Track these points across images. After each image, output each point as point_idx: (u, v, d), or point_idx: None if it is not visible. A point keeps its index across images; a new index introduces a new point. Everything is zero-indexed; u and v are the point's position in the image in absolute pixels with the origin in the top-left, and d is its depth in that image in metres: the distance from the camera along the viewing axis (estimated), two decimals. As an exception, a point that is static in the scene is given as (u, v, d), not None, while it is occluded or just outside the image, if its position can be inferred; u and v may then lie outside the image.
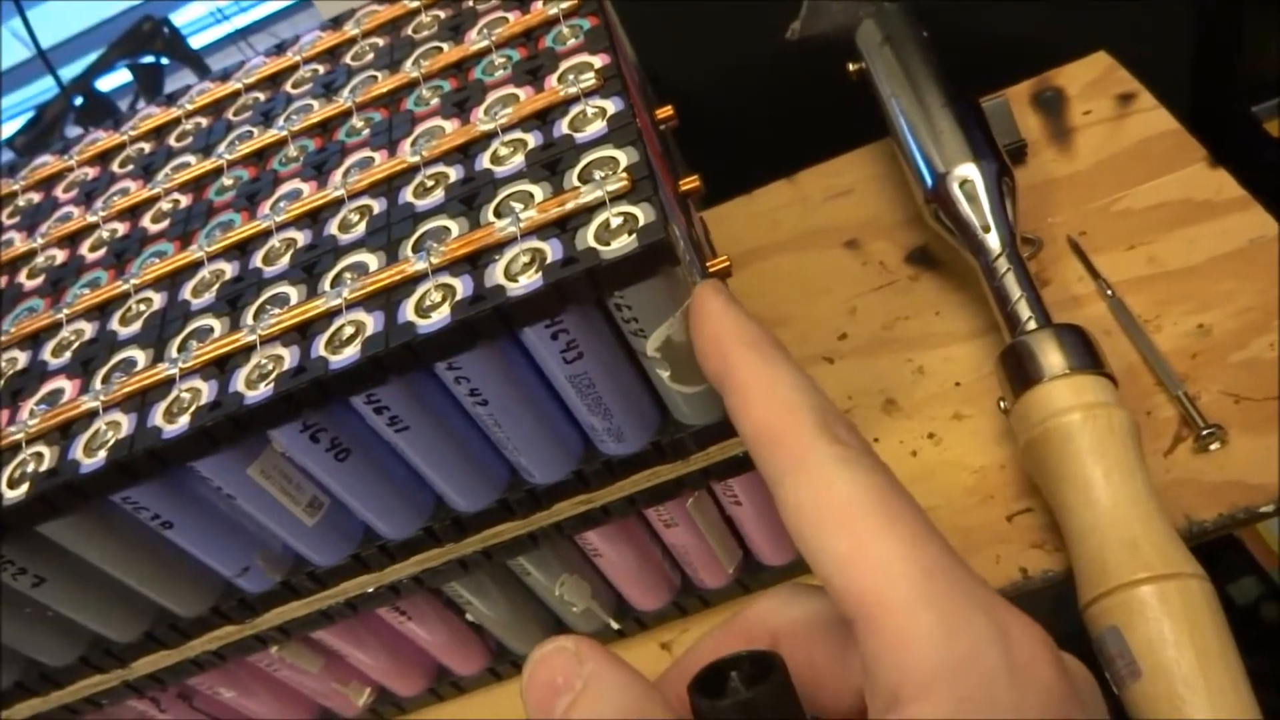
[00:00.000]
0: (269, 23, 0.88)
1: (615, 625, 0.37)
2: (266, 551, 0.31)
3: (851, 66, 0.46)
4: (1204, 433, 0.34)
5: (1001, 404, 0.35)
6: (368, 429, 0.28)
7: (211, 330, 0.28)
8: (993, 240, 0.38)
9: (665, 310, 0.25)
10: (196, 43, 0.85)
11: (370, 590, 0.32)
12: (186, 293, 0.30)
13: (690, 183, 0.35)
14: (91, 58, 0.72)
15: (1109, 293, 0.40)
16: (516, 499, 0.30)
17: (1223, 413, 0.35)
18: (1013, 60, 0.51)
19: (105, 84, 0.76)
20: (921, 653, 0.16)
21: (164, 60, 0.78)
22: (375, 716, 0.39)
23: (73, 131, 0.76)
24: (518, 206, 0.26)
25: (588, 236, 0.25)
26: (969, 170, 0.39)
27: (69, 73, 0.74)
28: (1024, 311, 0.36)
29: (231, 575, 0.31)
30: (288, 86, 0.36)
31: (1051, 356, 0.34)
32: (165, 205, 0.34)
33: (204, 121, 0.37)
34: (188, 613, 0.31)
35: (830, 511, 0.18)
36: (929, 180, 0.40)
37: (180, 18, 0.87)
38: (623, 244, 0.24)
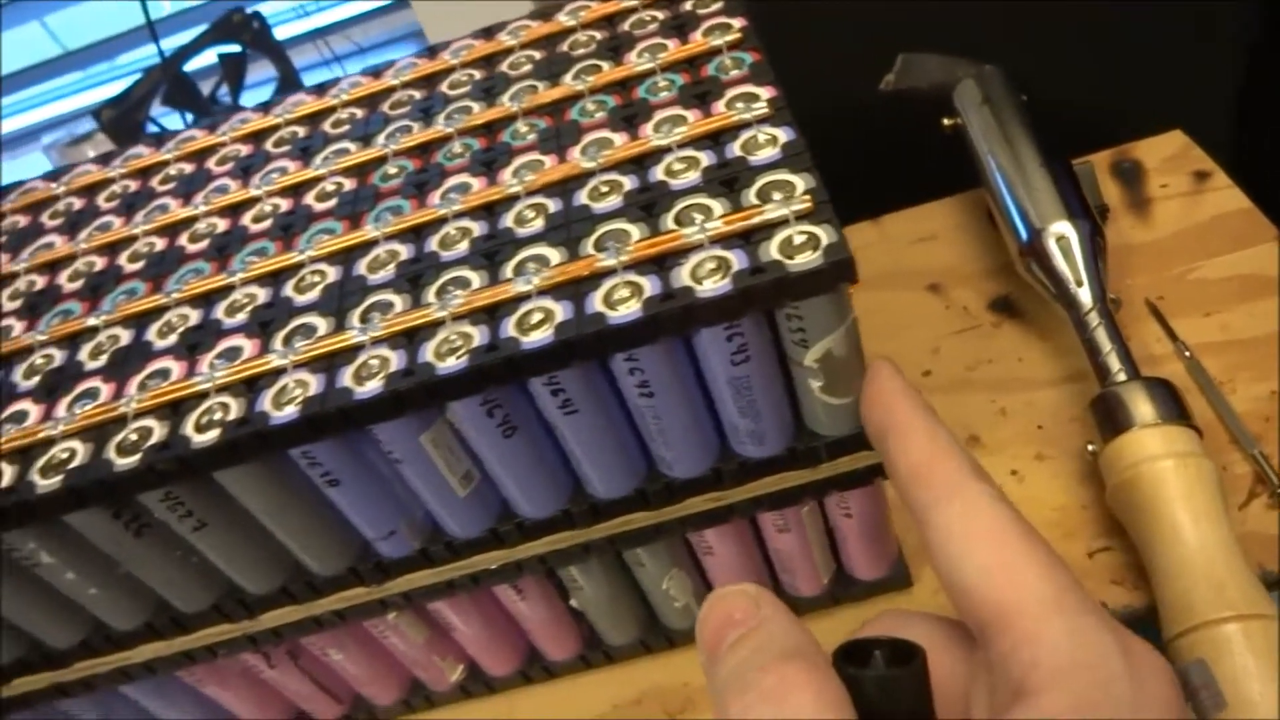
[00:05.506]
0: (348, 25, 0.91)
1: (702, 625, 0.39)
2: (411, 518, 0.32)
3: (946, 121, 0.49)
4: (1278, 490, 0.37)
5: (1090, 447, 0.38)
6: (535, 411, 0.30)
7: (392, 305, 0.30)
8: (1085, 295, 0.40)
9: (831, 324, 0.28)
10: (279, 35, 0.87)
11: (495, 566, 0.34)
12: (361, 268, 0.32)
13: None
14: (190, 35, 0.74)
15: (1187, 354, 0.42)
16: (654, 490, 0.32)
17: (1294, 474, 0.38)
18: (1086, 130, 0.54)
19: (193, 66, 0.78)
20: (1050, 651, 0.18)
21: (247, 51, 0.81)
22: (462, 693, 0.41)
23: (158, 112, 0.78)
24: (699, 217, 0.28)
25: (771, 249, 0.27)
26: (1064, 228, 0.42)
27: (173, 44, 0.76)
28: (1114, 363, 0.39)
29: (375, 538, 0.32)
30: (444, 87, 0.38)
31: (1142, 407, 0.36)
32: (329, 187, 0.36)
33: (359, 113, 0.39)
34: (325, 571, 0.33)
35: (979, 532, 0.21)
36: (1024, 234, 0.43)
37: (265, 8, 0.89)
38: (807, 259, 0.26)
